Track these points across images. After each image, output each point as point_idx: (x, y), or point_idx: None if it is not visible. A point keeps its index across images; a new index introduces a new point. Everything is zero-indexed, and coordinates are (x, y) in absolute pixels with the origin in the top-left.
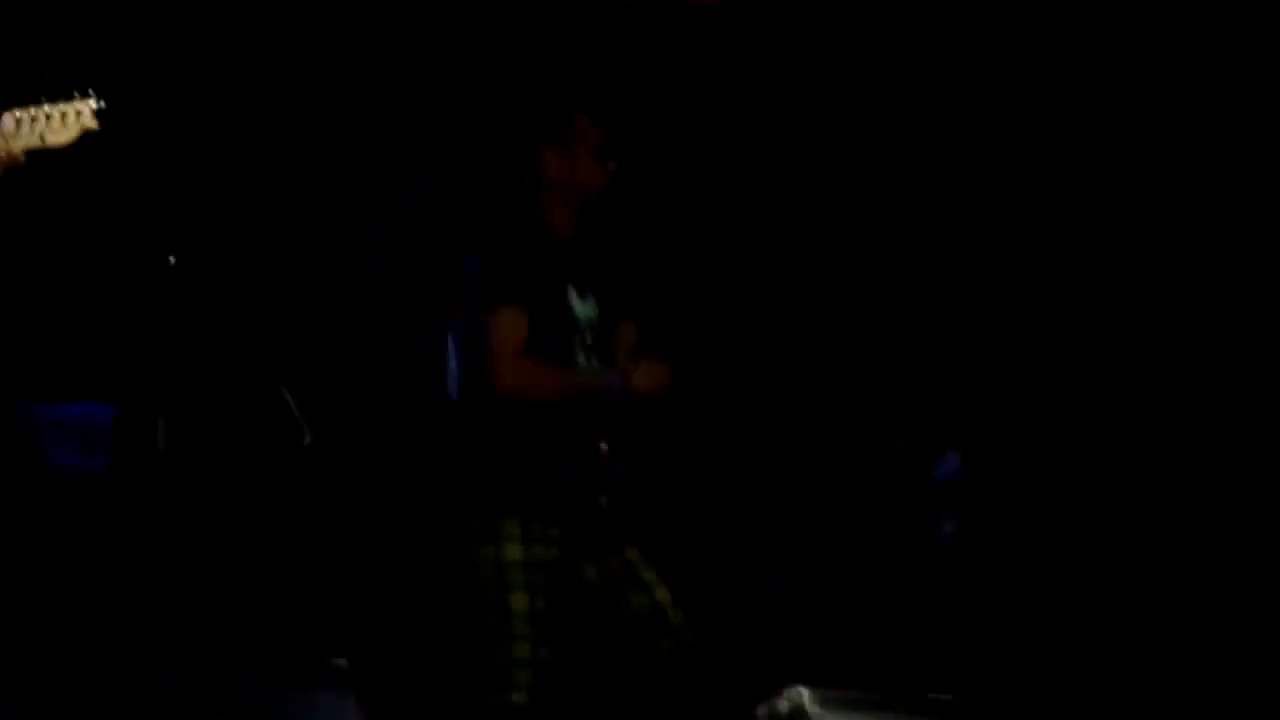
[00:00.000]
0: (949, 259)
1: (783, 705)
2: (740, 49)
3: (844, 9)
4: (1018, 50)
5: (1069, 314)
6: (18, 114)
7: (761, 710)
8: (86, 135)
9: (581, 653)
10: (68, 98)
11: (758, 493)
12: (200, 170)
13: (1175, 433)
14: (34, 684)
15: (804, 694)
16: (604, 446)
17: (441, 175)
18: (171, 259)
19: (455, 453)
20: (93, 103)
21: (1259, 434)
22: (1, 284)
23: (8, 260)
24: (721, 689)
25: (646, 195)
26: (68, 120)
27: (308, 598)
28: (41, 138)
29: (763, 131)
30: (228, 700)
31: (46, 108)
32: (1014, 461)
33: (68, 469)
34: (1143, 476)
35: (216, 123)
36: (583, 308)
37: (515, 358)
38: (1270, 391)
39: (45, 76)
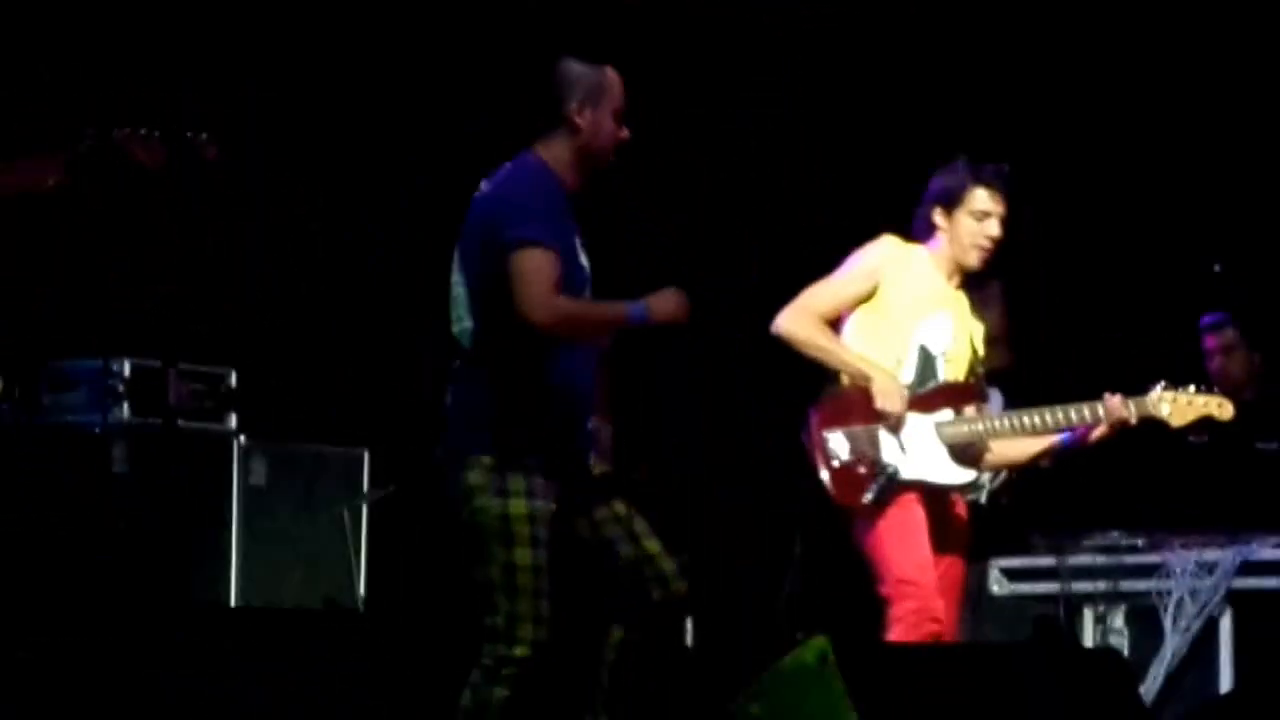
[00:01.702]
0: None
1: None
2: None
3: None
4: None
5: None
6: None
7: None
8: None
9: (577, 606)
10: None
11: None
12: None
13: None
14: (34, 684)
15: None
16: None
17: (441, 175)
18: None
19: (463, 405)
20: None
21: None
22: None
23: None
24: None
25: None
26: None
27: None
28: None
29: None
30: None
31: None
32: None
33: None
34: None
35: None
36: (586, 261)
37: (554, 295)
38: None
39: None
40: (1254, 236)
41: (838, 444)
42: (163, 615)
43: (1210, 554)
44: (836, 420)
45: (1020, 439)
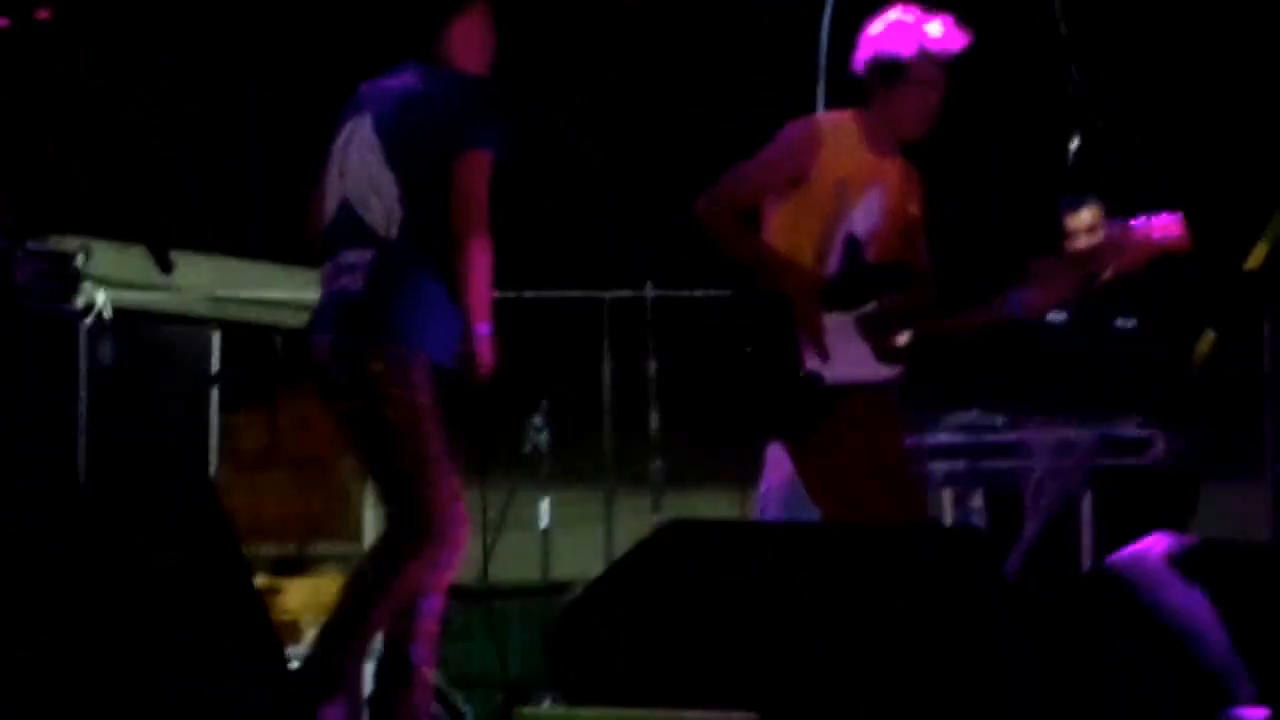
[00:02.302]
0: None
1: None
2: None
3: None
4: None
5: None
6: None
7: None
8: None
9: None
10: None
11: None
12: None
13: None
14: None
15: None
16: None
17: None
18: None
19: (379, 294)
20: None
21: None
22: None
23: None
24: None
25: None
26: None
27: None
28: None
29: None
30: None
31: None
32: None
33: None
34: None
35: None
36: None
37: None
38: None
39: None
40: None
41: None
42: (8, 497)
43: (1070, 433)
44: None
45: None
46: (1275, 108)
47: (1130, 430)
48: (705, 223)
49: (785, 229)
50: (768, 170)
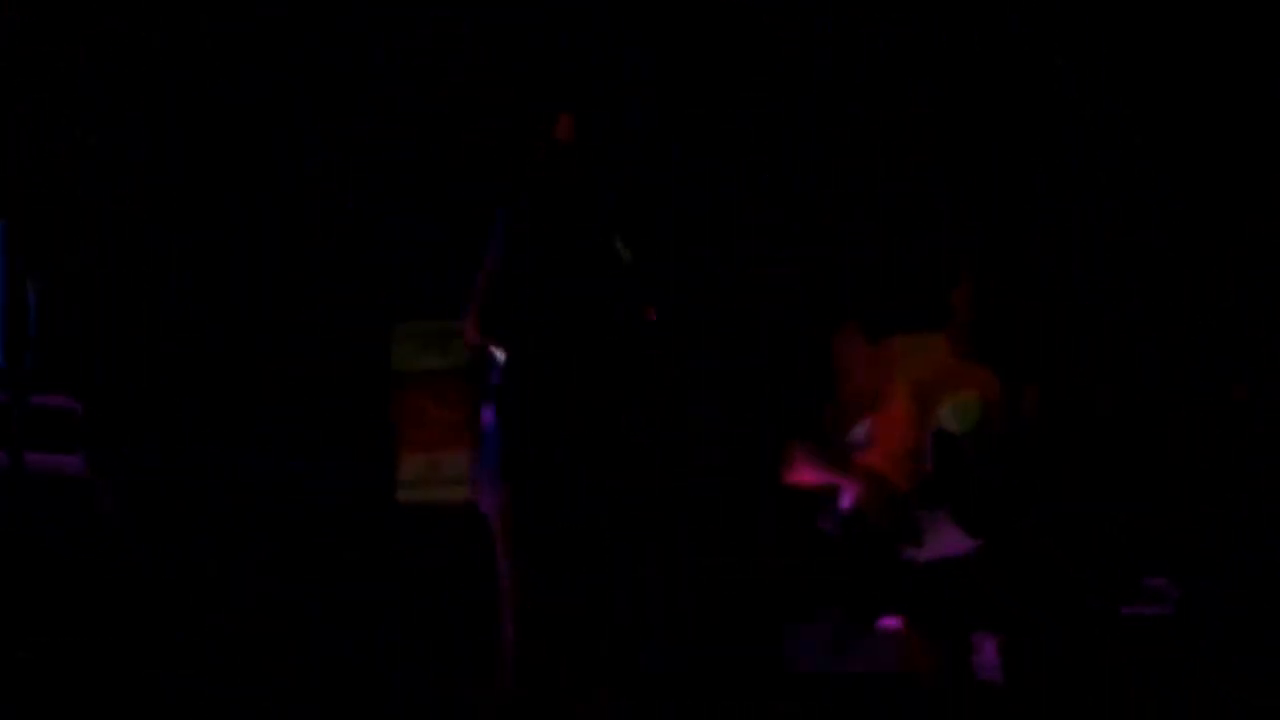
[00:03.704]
0: None
1: None
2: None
3: None
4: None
5: None
6: None
7: None
8: None
9: None
10: None
11: None
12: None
13: None
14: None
15: None
16: None
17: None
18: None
19: None
20: None
21: None
22: None
23: None
24: None
25: None
26: None
27: None
28: None
29: None
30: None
31: None
32: None
33: None
34: None
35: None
36: None
37: None
38: None
39: None
40: None
41: None
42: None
43: None
44: None
45: None
46: (1274, 107)
47: None
48: None
49: None
50: None
